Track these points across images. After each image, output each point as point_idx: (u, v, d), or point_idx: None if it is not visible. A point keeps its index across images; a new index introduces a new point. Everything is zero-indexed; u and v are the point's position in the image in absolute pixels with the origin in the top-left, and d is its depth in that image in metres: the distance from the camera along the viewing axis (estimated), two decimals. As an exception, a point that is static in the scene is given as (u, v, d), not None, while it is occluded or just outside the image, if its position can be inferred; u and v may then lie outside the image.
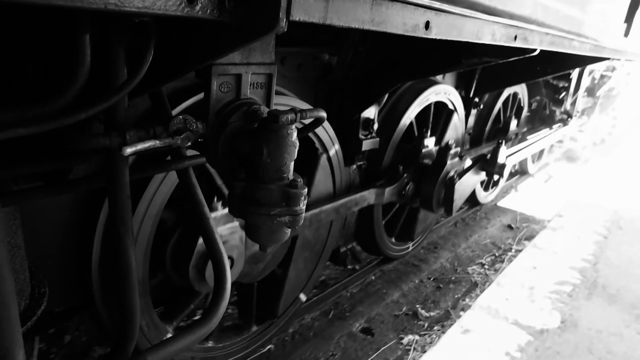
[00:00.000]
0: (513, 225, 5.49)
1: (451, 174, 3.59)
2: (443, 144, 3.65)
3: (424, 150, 3.51)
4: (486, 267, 4.43)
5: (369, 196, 3.05)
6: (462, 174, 3.67)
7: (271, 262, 2.68)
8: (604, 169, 8.00)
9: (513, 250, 4.82)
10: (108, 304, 1.97)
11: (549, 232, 5.05)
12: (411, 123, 3.46)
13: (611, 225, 5.42)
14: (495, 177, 4.17)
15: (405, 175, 3.34)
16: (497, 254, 4.74)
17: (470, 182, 3.90)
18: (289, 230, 1.39)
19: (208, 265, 2.12)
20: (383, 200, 3.20)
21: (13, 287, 0.99)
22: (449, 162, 3.53)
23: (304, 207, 1.34)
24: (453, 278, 4.15)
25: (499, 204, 6.20)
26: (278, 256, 2.74)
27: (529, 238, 5.09)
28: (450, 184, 3.54)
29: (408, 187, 3.40)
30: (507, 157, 4.25)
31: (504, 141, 4.08)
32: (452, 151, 3.57)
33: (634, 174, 7.78)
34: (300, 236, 2.78)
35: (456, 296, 3.86)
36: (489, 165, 4.09)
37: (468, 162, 3.91)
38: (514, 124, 5.29)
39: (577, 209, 5.84)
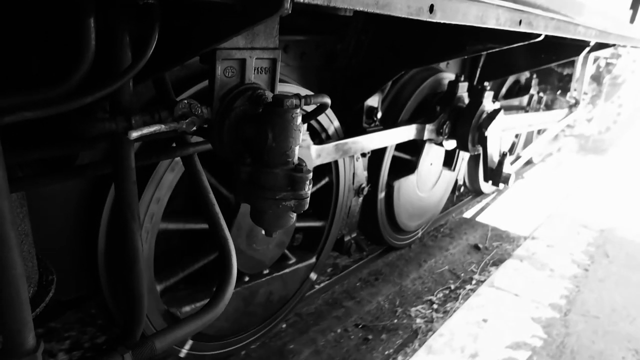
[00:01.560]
0: (481, 245, 4.54)
1: (485, 115, 3.70)
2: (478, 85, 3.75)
3: (458, 94, 3.60)
4: (435, 306, 3.50)
5: (410, 130, 3.25)
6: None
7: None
8: (599, 168, 7.17)
9: (473, 282, 3.89)
10: (114, 291, 1.98)
11: (515, 262, 3.95)
12: (415, 110, 3.45)
13: (596, 251, 4.31)
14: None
15: (442, 114, 3.51)
16: (452, 287, 3.79)
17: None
18: (295, 214, 1.39)
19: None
20: (423, 136, 3.39)
21: (23, 271, 1.00)
22: (484, 102, 3.62)
23: (309, 191, 1.34)
24: (389, 324, 3.19)
25: (470, 215, 5.27)
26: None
27: (497, 263, 4.19)
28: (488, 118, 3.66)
29: (445, 125, 3.55)
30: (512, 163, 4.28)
31: (508, 152, 4.05)
32: (488, 93, 3.68)
33: (631, 177, 6.76)
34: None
35: (387, 352, 2.94)
36: (495, 175, 4.08)
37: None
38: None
39: (558, 225, 4.80)
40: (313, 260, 3.02)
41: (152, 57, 1.20)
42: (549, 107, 5.94)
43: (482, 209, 5.45)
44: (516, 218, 5.26)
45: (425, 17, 1.45)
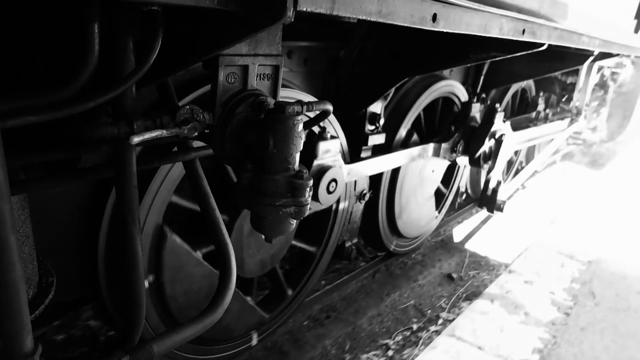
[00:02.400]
0: (455, 275, 4.01)
1: (497, 134, 3.95)
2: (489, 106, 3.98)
3: (472, 114, 3.81)
4: (390, 353, 2.98)
5: (428, 149, 3.45)
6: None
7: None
8: (597, 183, 6.52)
9: (439, 322, 3.33)
10: (114, 294, 1.99)
11: (484, 304, 3.26)
12: (418, 117, 3.45)
13: (580, 289, 3.65)
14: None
15: (456, 134, 3.71)
16: (415, 328, 3.24)
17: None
18: (294, 221, 1.39)
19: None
20: (439, 154, 3.60)
21: (22, 273, 1.01)
22: (495, 122, 3.84)
23: (310, 199, 1.35)
24: (331, 377, 2.69)
25: (448, 237, 4.75)
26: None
27: (471, 297, 3.66)
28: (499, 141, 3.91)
29: (459, 144, 3.75)
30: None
31: (502, 181, 4.13)
32: (499, 114, 3.88)
33: (629, 195, 6.06)
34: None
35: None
36: (489, 202, 4.22)
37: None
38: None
39: (540, 255, 4.16)
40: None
41: (155, 62, 1.20)
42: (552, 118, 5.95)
43: (462, 230, 4.93)
44: (499, 241, 4.72)
45: (429, 26, 1.45)
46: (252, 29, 1.06)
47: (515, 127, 4.33)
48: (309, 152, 2.35)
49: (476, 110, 3.84)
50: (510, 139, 4.08)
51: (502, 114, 3.89)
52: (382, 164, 3.01)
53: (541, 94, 5.39)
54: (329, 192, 2.46)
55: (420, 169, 3.81)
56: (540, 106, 5.32)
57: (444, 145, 3.58)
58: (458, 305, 3.58)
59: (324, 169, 2.40)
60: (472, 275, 4.07)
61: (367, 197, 3.21)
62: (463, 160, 3.86)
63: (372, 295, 3.52)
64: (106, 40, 1.13)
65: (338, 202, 2.96)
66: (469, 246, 4.58)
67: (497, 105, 3.86)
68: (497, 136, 3.90)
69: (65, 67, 1.17)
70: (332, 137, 2.44)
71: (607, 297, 3.58)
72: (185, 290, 2.23)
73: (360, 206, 3.24)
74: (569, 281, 3.77)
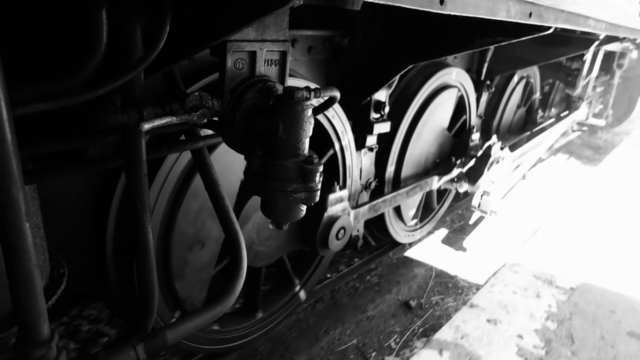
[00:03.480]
0: (414, 303, 3.33)
1: (496, 161, 4.19)
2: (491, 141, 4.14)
3: (471, 144, 3.98)
4: None
5: (430, 182, 3.61)
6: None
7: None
8: (592, 183, 5.70)
9: None
10: (123, 284, 1.99)
11: (430, 357, 2.54)
12: (422, 105, 3.43)
13: (557, 330, 2.88)
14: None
15: (457, 164, 3.88)
16: None
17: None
18: (305, 207, 1.39)
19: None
20: (441, 186, 3.77)
21: (37, 262, 1.01)
22: (492, 153, 4.07)
23: (320, 184, 1.34)
24: None
25: (414, 253, 4.01)
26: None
27: (429, 332, 3.04)
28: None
29: (459, 175, 3.96)
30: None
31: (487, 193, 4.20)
32: (496, 145, 4.11)
33: (626, 201, 5.22)
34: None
35: None
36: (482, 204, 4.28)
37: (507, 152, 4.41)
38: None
39: (513, 281, 3.42)
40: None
41: (162, 49, 1.20)
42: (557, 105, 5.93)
43: (433, 242, 4.29)
44: (474, 255, 4.01)
45: (436, 8, 1.44)
46: (262, 11, 1.05)
47: (515, 144, 4.64)
48: (320, 205, 2.54)
49: (476, 139, 4.01)
50: (509, 162, 4.35)
51: (499, 144, 4.15)
52: (385, 203, 3.19)
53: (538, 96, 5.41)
54: (338, 239, 2.68)
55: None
56: (536, 95, 5.37)
57: (444, 178, 3.75)
58: (411, 345, 2.90)
59: (333, 219, 2.62)
60: (435, 301, 3.37)
61: (372, 186, 3.21)
62: (464, 187, 4.04)
63: (306, 334, 2.83)
64: (113, 28, 1.12)
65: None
66: (437, 263, 3.90)
67: (494, 136, 4.11)
68: (496, 163, 4.16)
69: (73, 55, 1.17)
70: (340, 188, 2.64)
71: (589, 342, 2.80)
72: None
73: (366, 195, 3.23)
74: (543, 319, 2.99)
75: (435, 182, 3.67)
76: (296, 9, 1.33)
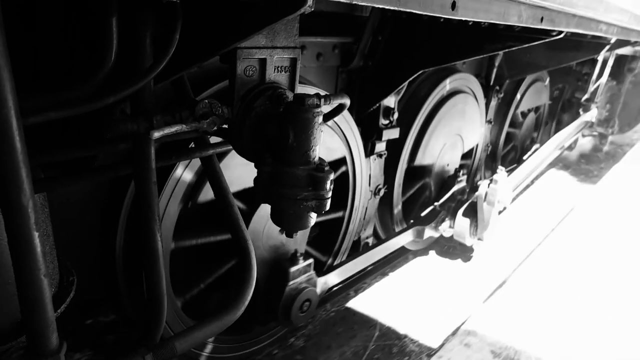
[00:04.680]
0: None
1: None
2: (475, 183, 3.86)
3: (456, 188, 3.74)
4: None
5: (410, 235, 3.33)
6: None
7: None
8: (583, 212, 4.90)
9: None
10: (132, 292, 1.98)
11: None
12: (430, 112, 3.41)
13: None
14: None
15: (441, 212, 3.62)
16: None
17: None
18: (315, 215, 1.37)
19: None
20: (423, 237, 3.46)
21: (46, 271, 1.00)
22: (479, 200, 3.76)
23: (331, 192, 1.33)
24: None
25: (359, 303, 3.21)
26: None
27: None
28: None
29: (444, 222, 3.63)
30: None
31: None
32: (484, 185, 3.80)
33: (621, 236, 4.42)
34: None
35: None
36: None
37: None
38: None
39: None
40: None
41: (173, 56, 1.19)
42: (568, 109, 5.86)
43: (383, 289, 3.44)
44: (433, 307, 3.22)
45: (448, 14, 1.42)
46: (272, 18, 1.04)
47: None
48: (281, 278, 2.36)
49: (462, 183, 3.77)
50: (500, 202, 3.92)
51: (487, 183, 3.82)
52: (358, 264, 2.87)
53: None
54: (303, 312, 2.44)
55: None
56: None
57: (427, 229, 3.46)
58: None
59: (297, 291, 2.39)
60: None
61: (382, 193, 3.19)
62: (449, 233, 3.71)
63: None
64: (124, 36, 1.12)
65: (353, 201, 2.94)
66: (385, 317, 3.09)
67: (477, 179, 3.87)
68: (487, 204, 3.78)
69: (84, 63, 1.16)
70: (304, 258, 2.41)
71: None
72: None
73: (375, 201, 3.21)
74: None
75: (416, 234, 3.37)
76: (305, 16, 1.33)
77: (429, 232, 3.50)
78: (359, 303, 3.24)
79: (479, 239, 3.74)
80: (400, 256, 3.83)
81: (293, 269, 2.36)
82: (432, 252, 4.02)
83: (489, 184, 3.76)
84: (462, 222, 3.61)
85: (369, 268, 3.44)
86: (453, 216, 3.63)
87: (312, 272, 2.48)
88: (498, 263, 3.94)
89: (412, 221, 3.54)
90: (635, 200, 5.31)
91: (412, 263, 3.81)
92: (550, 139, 5.32)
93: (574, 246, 4.18)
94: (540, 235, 4.44)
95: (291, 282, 2.36)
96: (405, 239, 3.28)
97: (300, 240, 2.56)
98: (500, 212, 4.07)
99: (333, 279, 2.70)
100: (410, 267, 3.74)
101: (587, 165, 7.09)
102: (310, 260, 2.45)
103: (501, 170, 3.83)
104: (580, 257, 3.98)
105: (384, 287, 3.46)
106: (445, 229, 3.63)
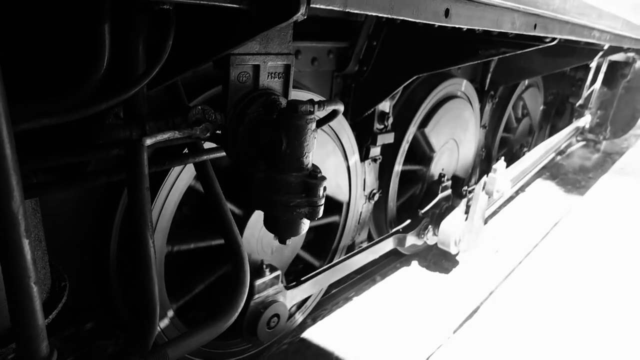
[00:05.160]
0: None
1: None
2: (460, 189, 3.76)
3: (441, 195, 3.62)
4: None
5: (390, 243, 3.19)
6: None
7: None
8: (565, 233, 4.41)
9: None
10: (126, 298, 1.98)
11: None
12: (425, 116, 3.42)
13: None
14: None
15: (425, 219, 3.49)
16: None
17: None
18: (308, 222, 1.37)
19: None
20: (405, 245, 3.33)
21: (36, 278, 1.00)
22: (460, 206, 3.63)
23: (324, 198, 1.33)
24: None
25: (316, 333, 2.88)
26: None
27: None
28: None
29: (427, 229, 3.50)
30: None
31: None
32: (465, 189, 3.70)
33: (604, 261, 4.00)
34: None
35: None
36: None
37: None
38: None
39: None
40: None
41: (166, 62, 1.19)
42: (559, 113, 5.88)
43: (348, 313, 3.12)
44: (402, 333, 2.95)
45: (441, 21, 1.43)
46: (265, 25, 1.04)
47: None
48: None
49: (446, 189, 3.66)
50: (499, 192, 3.83)
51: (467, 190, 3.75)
52: (328, 277, 2.69)
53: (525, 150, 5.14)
54: (270, 328, 2.30)
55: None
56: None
57: (409, 236, 3.32)
58: None
59: (263, 306, 2.25)
60: None
61: (376, 197, 3.19)
62: (433, 240, 3.58)
63: None
64: (116, 41, 1.11)
65: (348, 207, 2.94)
66: (344, 350, 2.73)
67: (465, 189, 3.69)
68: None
69: (76, 69, 1.16)
70: (272, 270, 2.27)
71: None
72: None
73: (370, 206, 3.21)
74: None
75: (396, 241, 3.25)
76: (299, 21, 1.33)
77: (411, 240, 3.36)
78: (317, 333, 2.89)
79: (463, 249, 3.64)
80: (368, 278, 3.57)
81: (258, 281, 2.21)
82: (401, 272, 3.73)
83: (487, 175, 3.68)
84: (446, 230, 3.49)
85: (352, 277, 3.34)
86: (437, 224, 3.52)
87: (279, 285, 2.33)
88: (473, 285, 3.58)
89: (391, 230, 3.36)
90: (622, 215, 4.93)
91: (380, 285, 3.50)
92: (548, 139, 5.35)
93: (556, 266, 3.81)
94: (521, 252, 4.11)
95: (256, 296, 2.22)
96: (385, 247, 3.13)
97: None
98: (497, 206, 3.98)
99: (303, 291, 2.53)
100: (377, 290, 3.44)
101: (575, 175, 6.80)
102: (278, 272, 2.30)
103: (501, 160, 3.77)
104: (562, 279, 3.63)
105: (346, 314, 3.12)
106: (429, 237, 3.51)
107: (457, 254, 3.79)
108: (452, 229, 3.47)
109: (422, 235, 3.48)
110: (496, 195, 3.78)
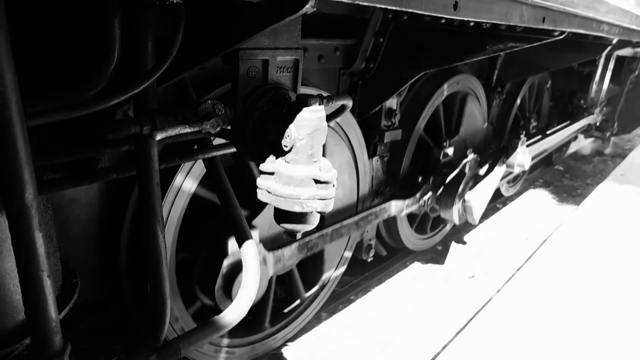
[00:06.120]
0: None
1: (471, 184, 3.51)
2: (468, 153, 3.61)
3: (443, 160, 3.49)
4: None
5: (387, 209, 3.06)
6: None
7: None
8: (560, 247, 3.84)
9: None
10: (136, 294, 1.98)
11: None
12: (434, 113, 3.41)
13: None
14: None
15: (424, 186, 3.32)
16: None
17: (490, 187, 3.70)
18: (318, 215, 1.37)
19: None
20: (402, 212, 3.18)
21: (49, 272, 1.00)
22: (467, 172, 3.46)
23: (334, 192, 1.32)
24: None
25: (293, 353, 2.74)
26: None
27: None
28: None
29: (428, 197, 3.36)
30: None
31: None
32: (471, 158, 3.52)
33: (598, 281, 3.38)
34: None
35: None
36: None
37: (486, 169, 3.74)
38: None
39: None
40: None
41: (175, 57, 1.19)
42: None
43: (331, 331, 2.93)
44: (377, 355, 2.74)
45: (450, 14, 1.42)
46: (275, 18, 1.04)
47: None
48: (218, 251, 2.07)
49: (449, 155, 3.51)
50: (490, 181, 3.67)
51: (475, 157, 3.58)
52: (324, 239, 2.59)
53: (533, 117, 5.12)
54: None
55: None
56: (532, 124, 5.04)
57: (407, 202, 3.16)
58: None
59: (238, 268, 2.04)
60: None
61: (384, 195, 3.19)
62: (436, 212, 3.44)
63: None
64: (125, 38, 1.12)
65: (357, 202, 2.94)
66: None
67: (469, 150, 3.53)
68: (472, 183, 3.48)
69: (87, 64, 1.17)
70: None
71: None
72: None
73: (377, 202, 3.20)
74: None
75: (394, 209, 3.08)
76: (306, 18, 1.33)
77: (410, 207, 3.14)
78: (295, 351, 2.72)
79: (468, 221, 3.47)
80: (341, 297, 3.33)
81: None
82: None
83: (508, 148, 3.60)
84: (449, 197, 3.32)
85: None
86: (439, 192, 3.33)
87: (260, 246, 2.19)
88: (447, 318, 3.11)
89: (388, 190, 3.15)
90: (618, 231, 4.26)
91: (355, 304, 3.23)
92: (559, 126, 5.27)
93: (539, 294, 3.18)
94: (501, 277, 3.56)
95: (230, 257, 2.05)
96: (382, 213, 2.98)
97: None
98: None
99: (290, 254, 2.35)
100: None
101: (572, 181, 6.41)
102: (256, 231, 2.15)
103: (522, 136, 3.70)
104: (548, 308, 3.03)
105: (331, 328, 2.98)
106: (429, 203, 3.32)
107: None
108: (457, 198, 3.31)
109: (423, 204, 3.30)
110: (517, 169, 3.66)
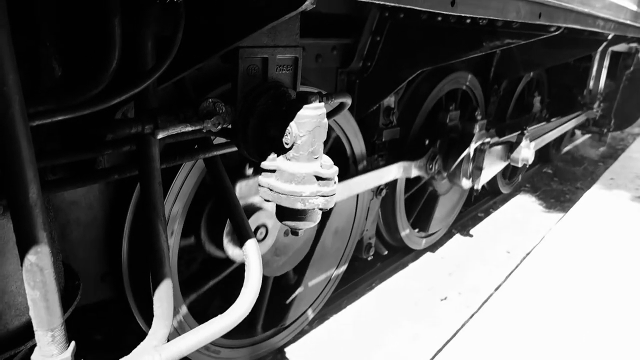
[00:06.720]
0: None
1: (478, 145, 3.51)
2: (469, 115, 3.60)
3: (450, 124, 3.47)
4: None
5: (395, 170, 3.01)
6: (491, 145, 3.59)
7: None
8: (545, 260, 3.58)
9: None
10: (138, 294, 1.98)
11: None
12: (433, 109, 3.42)
13: None
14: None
15: (431, 149, 3.29)
16: None
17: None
18: (320, 212, 1.38)
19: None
20: (411, 174, 3.16)
21: (54, 272, 1.00)
22: (476, 134, 3.43)
23: (336, 189, 1.33)
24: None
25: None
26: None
27: None
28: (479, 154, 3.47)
29: (435, 160, 3.32)
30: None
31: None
32: (479, 124, 3.49)
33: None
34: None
35: None
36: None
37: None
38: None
39: None
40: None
41: (175, 57, 1.20)
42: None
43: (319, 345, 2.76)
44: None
45: (447, 10, 1.43)
46: (274, 16, 1.05)
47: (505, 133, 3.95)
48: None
49: (455, 119, 3.51)
50: (523, 160, 3.72)
51: (484, 122, 3.53)
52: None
53: (536, 94, 5.19)
54: (260, 240, 1.93)
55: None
56: (536, 107, 5.14)
57: (415, 163, 3.15)
58: None
59: (248, 212, 1.91)
60: None
61: (383, 193, 3.19)
62: (441, 178, 3.45)
63: None
64: (126, 36, 1.12)
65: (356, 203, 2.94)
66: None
67: (477, 112, 3.50)
68: (478, 149, 3.48)
69: (88, 64, 1.17)
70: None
71: None
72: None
73: (377, 202, 3.21)
74: None
75: (400, 171, 3.01)
76: (303, 17, 1.34)
77: (416, 170, 3.13)
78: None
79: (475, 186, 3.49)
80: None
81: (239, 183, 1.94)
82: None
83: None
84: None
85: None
86: (446, 155, 3.34)
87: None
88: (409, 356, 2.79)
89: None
90: (606, 242, 3.96)
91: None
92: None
93: (518, 317, 2.87)
94: (480, 296, 3.32)
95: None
96: (388, 175, 2.94)
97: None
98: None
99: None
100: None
101: (561, 185, 6.14)
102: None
103: (526, 131, 3.76)
104: (525, 334, 2.72)
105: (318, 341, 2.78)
106: (436, 168, 3.31)
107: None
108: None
109: (430, 166, 3.28)
110: (521, 163, 3.71)
